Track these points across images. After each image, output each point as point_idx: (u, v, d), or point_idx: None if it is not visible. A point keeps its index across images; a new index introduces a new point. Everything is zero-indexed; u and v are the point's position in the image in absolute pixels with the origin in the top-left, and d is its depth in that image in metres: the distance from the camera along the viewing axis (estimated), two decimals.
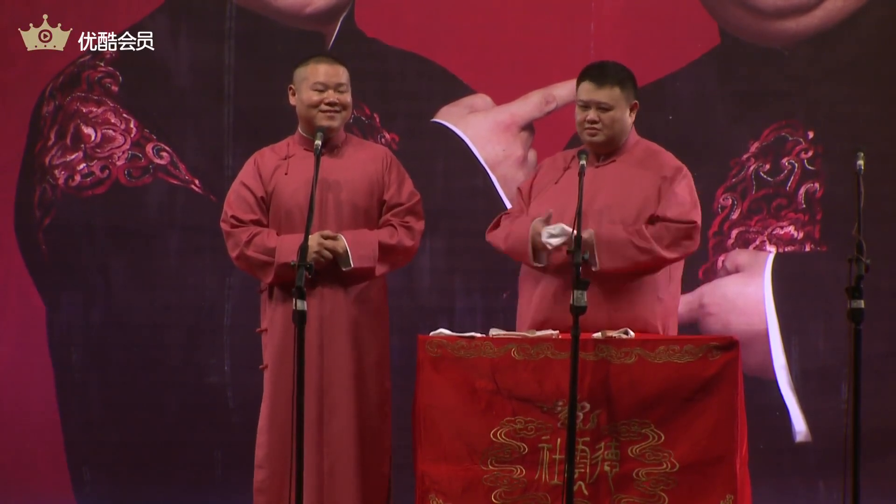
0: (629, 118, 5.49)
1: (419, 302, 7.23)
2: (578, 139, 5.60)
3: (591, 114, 5.44)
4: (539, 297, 5.44)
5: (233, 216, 5.67)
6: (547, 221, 5.35)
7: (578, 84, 5.49)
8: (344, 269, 5.55)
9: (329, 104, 5.65)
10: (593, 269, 5.24)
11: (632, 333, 5.11)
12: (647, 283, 5.39)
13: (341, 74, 5.68)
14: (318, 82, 5.66)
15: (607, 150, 5.49)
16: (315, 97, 5.65)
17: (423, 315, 7.08)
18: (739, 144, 7.20)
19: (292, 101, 5.72)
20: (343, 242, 5.55)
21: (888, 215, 6.97)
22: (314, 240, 5.47)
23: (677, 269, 5.54)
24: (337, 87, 5.67)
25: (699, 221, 5.45)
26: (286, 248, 5.52)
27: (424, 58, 7.28)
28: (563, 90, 7.14)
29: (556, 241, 5.30)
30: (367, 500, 5.60)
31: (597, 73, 5.47)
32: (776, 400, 7.11)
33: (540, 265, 5.40)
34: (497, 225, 5.63)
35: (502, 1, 7.27)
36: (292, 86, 5.71)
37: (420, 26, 7.29)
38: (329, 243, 5.53)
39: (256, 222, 5.66)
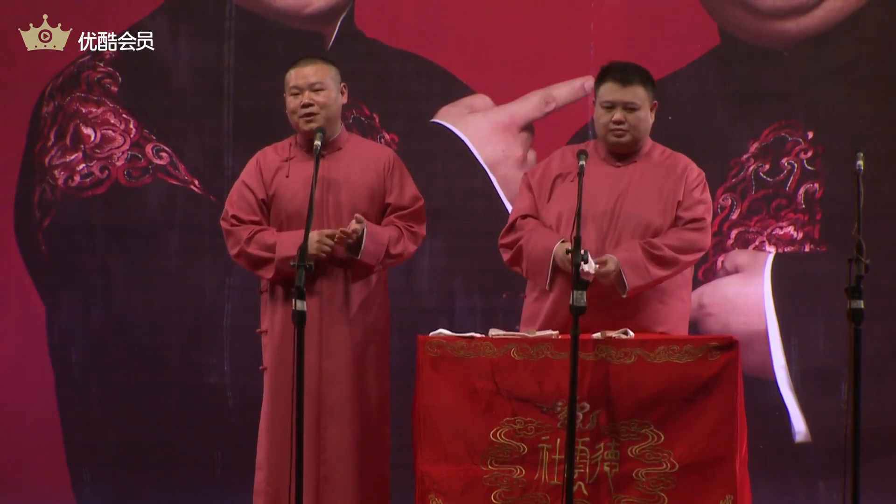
0: (651, 118, 5.47)
1: (419, 302, 7.23)
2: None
3: (618, 114, 5.37)
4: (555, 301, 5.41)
5: (233, 215, 5.66)
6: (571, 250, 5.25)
7: (599, 84, 5.42)
8: (348, 254, 5.52)
9: (304, 106, 5.61)
10: (623, 295, 5.22)
11: (631, 334, 5.11)
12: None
13: (317, 73, 5.63)
14: (293, 86, 5.64)
15: (630, 150, 5.47)
16: (293, 102, 5.64)
17: (423, 315, 7.07)
18: (739, 144, 7.20)
19: (286, 108, 5.71)
20: (363, 232, 5.49)
21: (888, 215, 6.97)
22: (314, 237, 5.45)
23: (687, 272, 5.54)
24: (311, 87, 5.63)
25: (709, 218, 5.45)
26: (286, 243, 5.51)
27: (424, 58, 7.28)
28: (563, 90, 7.14)
29: (589, 268, 5.12)
30: (366, 501, 5.59)
31: (620, 72, 5.40)
32: (776, 400, 7.11)
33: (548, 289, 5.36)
34: (511, 228, 5.52)
35: (502, 1, 7.27)
36: (285, 93, 5.70)
37: (420, 26, 7.29)
38: (354, 226, 5.46)
39: (256, 223, 5.66)
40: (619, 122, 5.39)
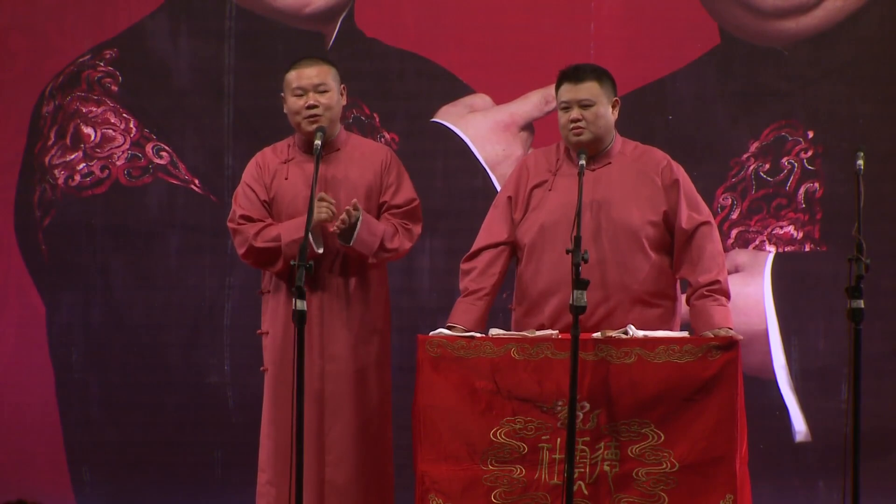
0: (612, 115, 5.45)
1: (419, 302, 7.23)
2: None
3: (574, 112, 5.37)
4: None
5: (241, 216, 5.65)
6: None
7: (557, 88, 5.45)
8: (340, 243, 5.51)
9: (309, 108, 5.61)
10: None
11: (632, 332, 5.10)
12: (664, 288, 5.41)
13: (320, 74, 5.62)
14: (297, 87, 5.62)
15: (596, 149, 5.44)
16: (296, 103, 5.63)
17: (423, 315, 7.07)
18: (739, 144, 7.20)
19: (285, 109, 5.69)
20: (359, 219, 5.47)
21: (888, 215, 6.97)
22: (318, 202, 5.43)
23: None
24: (316, 88, 5.62)
25: (707, 210, 5.48)
26: (289, 229, 5.51)
27: (424, 58, 7.28)
28: None
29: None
30: (369, 501, 5.59)
31: (572, 72, 5.43)
32: (776, 400, 7.11)
33: None
34: (472, 257, 5.54)
35: (502, 1, 7.27)
36: (283, 93, 5.69)
37: (420, 26, 7.29)
38: (351, 211, 5.45)
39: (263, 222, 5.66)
40: (575, 120, 5.38)
